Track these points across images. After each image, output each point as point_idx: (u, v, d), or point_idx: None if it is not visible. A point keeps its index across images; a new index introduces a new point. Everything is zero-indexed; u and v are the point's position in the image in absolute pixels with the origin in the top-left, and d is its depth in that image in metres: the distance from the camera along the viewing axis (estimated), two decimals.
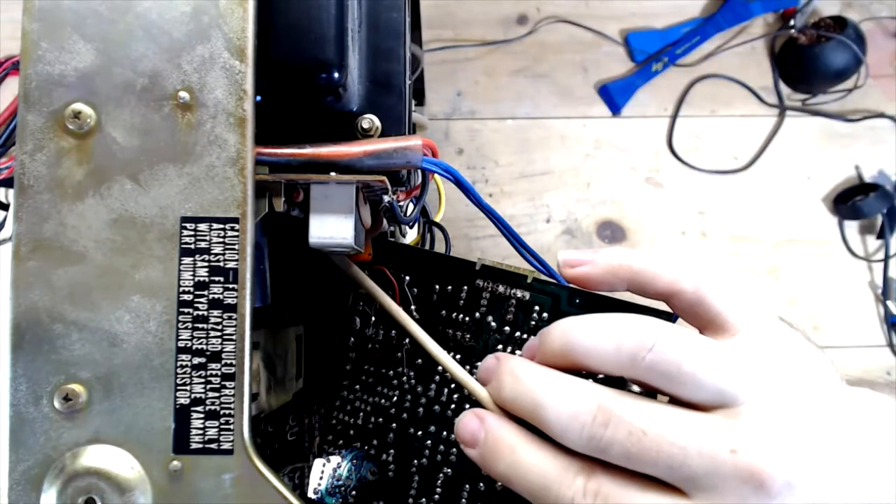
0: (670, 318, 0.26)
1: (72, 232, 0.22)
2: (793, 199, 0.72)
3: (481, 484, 0.28)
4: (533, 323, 0.28)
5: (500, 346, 0.29)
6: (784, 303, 0.71)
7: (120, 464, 0.22)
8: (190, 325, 0.22)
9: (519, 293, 0.29)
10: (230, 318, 0.23)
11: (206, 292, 0.22)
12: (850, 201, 0.70)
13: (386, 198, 0.29)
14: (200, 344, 0.22)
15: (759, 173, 0.72)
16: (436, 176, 0.29)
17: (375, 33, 0.27)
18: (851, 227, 0.72)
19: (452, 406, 0.29)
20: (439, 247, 0.34)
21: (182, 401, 0.22)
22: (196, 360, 0.22)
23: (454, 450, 0.29)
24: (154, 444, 0.22)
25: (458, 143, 0.72)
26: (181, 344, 0.22)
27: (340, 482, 0.31)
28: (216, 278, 0.23)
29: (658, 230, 0.70)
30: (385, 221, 0.32)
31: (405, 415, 0.30)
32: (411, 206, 0.32)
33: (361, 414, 0.31)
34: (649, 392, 0.24)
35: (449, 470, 0.29)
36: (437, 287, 0.30)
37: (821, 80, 0.72)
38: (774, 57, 0.73)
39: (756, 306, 0.25)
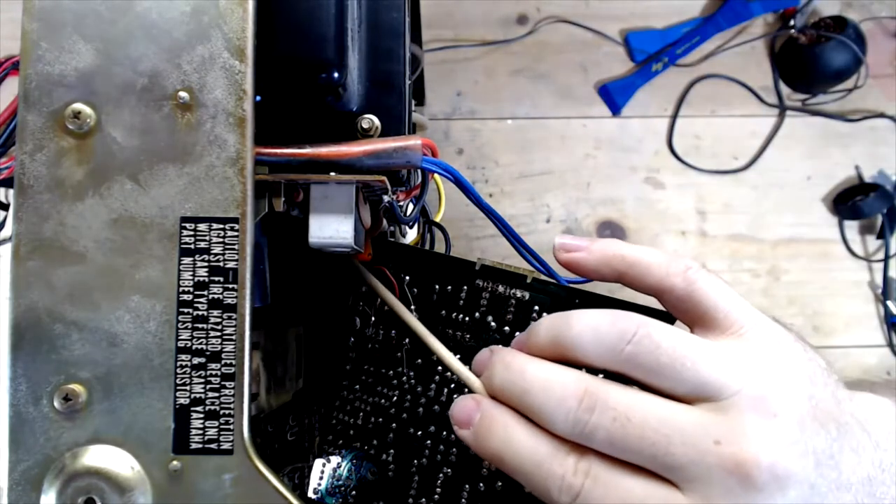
0: (670, 318, 0.26)
1: (72, 232, 0.22)
2: (793, 199, 0.72)
3: (481, 484, 0.28)
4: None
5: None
6: (784, 303, 0.70)
7: (120, 464, 0.22)
8: (190, 325, 0.22)
9: (519, 293, 0.29)
10: (230, 318, 0.23)
11: (205, 292, 0.22)
12: (850, 201, 0.70)
13: (386, 198, 0.29)
14: (200, 344, 0.22)
15: (759, 173, 0.72)
16: (436, 176, 0.29)
17: (375, 33, 0.27)
18: (851, 227, 0.72)
19: None
20: (439, 247, 0.34)
21: (182, 401, 0.22)
22: (196, 360, 0.22)
23: (454, 450, 0.29)
24: (154, 444, 0.22)
25: (458, 143, 0.72)
26: (181, 344, 0.22)
27: (340, 482, 0.31)
28: (216, 278, 0.23)
29: (658, 230, 0.70)
30: (385, 221, 0.32)
31: (405, 415, 0.30)
32: (411, 206, 0.32)
33: (361, 414, 0.31)
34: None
35: (449, 470, 0.29)
36: (437, 287, 0.30)
37: (821, 80, 0.72)
38: (774, 57, 0.73)
39: (749, 305, 0.25)
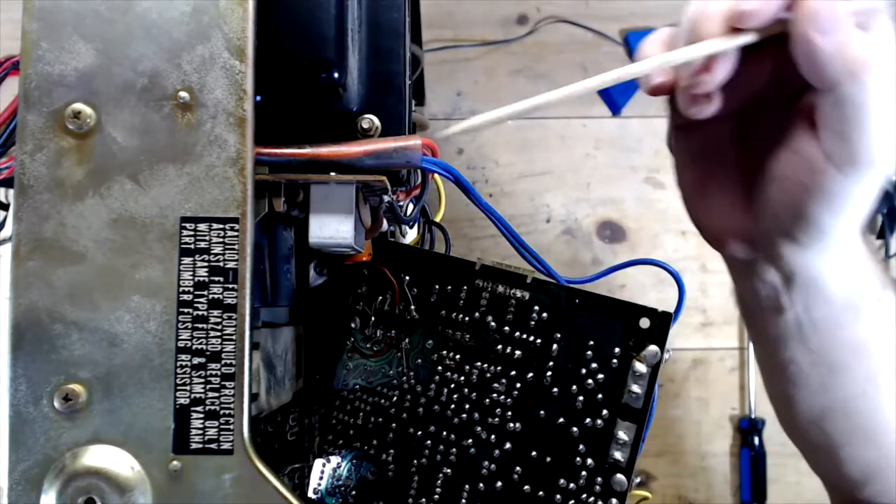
0: (669, 318, 0.26)
1: (72, 232, 0.22)
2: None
3: (481, 484, 0.28)
4: (532, 323, 0.28)
5: (499, 346, 0.29)
6: None
7: (120, 464, 0.22)
8: (190, 325, 0.22)
9: (519, 293, 0.29)
10: (230, 318, 0.23)
11: (205, 292, 0.22)
12: None
13: (386, 198, 0.29)
14: (200, 344, 0.22)
15: None
16: (436, 176, 0.29)
17: (375, 33, 0.27)
18: None
19: (452, 406, 0.29)
20: (439, 247, 0.34)
21: (182, 401, 0.22)
22: (196, 360, 0.22)
23: (454, 450, 0.29)
24: (154, 444, 0.22)
25: (458, 143, 0.72)
26: (181, 344, 0.22)
27: (340, 482, 0.31)
28: (216, 278, 0.23)
29: (658, 230, 0.70)
30: (385, 221, 0.32)
31: (405, 415, 0.30)
32: (411, 206, 0.32)
33: (361, 414, 0.31)
34: None
35: (449, 470, 0.29)
36: (437, 287, 0.30)
37: None
38: None
39: None
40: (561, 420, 0.27)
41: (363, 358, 0.32)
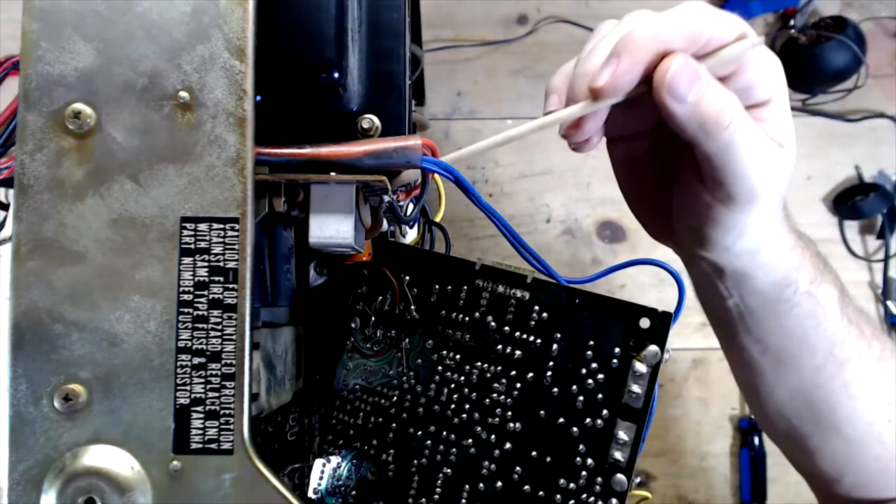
0: (669, 318, 0.26)
1: (72, 232, 0.22)
2: (793, 199, 0.72)
3: (481, 484, 0.28)
4: (532, 323, 0.28)
5: (499, 346, 0.29)
6: None
7: (120, 464, 0.22)
8: (190, 325, 0.22)
9: (519, 293, 0.29)
10: (230, 318, 0.23)
11: (206, 292, 0.22)
12: (850, 201, 0.70)
13: (386, 198, 0.29)
14: (200, 344, 0.22)
15: None
16: (436, 176, 0.29)
17: (375, 33, 0.27)
18: (851, 227, 0.72)
19: (452, 406, 0.29)
20: (439, 247, 0.34)
21: (182, 401, 0.22)
22: (196, 360, 0.22)
23: (454, 450, 0.29)
24: (154, 444, 0.22)
25: (458, 143, 0.72)
26: (181, 344, 0.22)
27: (340, 482, 0.31)
28: (216, 278, 0.23)
29: None
30: (385, 221, 0.32)
31: (405, 415, 0.30)
32: (411, 206, 0.32)
33: (361, 414, 0.31)
34: None
35: (449, 470, 0.29)
36: (437, 287, 0.30)
37: (821, 80, 0.72)
38: None
39: None
40: (561, 420, 0.27)
41: (363, 358, 0.32)
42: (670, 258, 0.32)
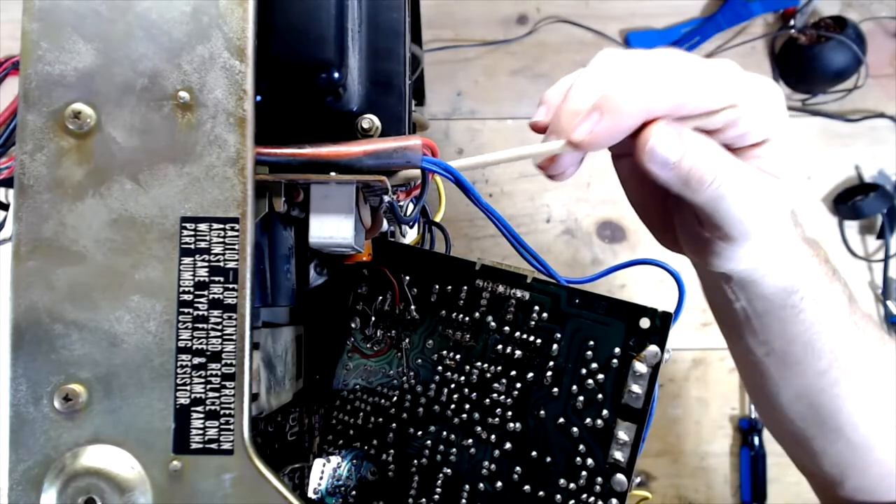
0: (669, 318, 0.26)
1: (72, 232, 0.22)
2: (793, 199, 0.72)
3: (481, 484, 0.28)
4: (532, 323, 0.28)
5: (500, 346, 0.29)
6: None
7: (120, 464, 0.22)
8: (190, 325, 0.22)
9: (519, 293, 0.29)
10: (230, 318, 0.23)
11: (206, 292, 0.22)
12: (850, 201, 0.70)
13: (386, 198, 0.29)
14: (200, 344, 0.22)
15: None
16: (436, 176, 0.29)
17: (375, 33, 0.27)
18: (851, 227, 0.72)
19: (452, 406, 0.29)
20: (439, 247, 0.34)
21: (182, 401, 0.22)
22: (196, 360, 0.22)
23: (454, 450, 0.29)
24: (154, 444, 0.22)
25: (458, 143, 0.73)
26: (181, 344, 0.22)
27: (340, 482, 0.31)
28: (216, 278, 0.23)
29: None
30: (385, 221, 0.32)
31: (405, 415, 0.30)
32: (411, 206, 0.32)
33: (361, 414, 0.31)
34: None
35: (449, 470, 0.29)
36: (437, 287, 0.30)
37: (821, 80, 0.72)
38: (774, 57, 0.73)
39: None
40: (561, 420, 0.27)
41: (363, 358, 0.32)
42: (670, 258, 0.32)
